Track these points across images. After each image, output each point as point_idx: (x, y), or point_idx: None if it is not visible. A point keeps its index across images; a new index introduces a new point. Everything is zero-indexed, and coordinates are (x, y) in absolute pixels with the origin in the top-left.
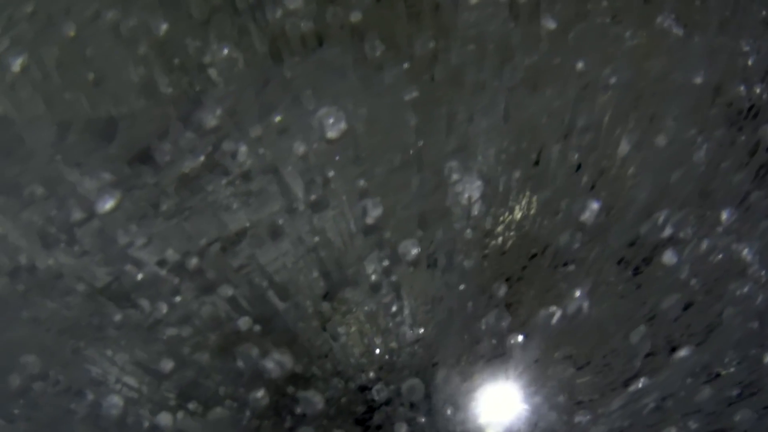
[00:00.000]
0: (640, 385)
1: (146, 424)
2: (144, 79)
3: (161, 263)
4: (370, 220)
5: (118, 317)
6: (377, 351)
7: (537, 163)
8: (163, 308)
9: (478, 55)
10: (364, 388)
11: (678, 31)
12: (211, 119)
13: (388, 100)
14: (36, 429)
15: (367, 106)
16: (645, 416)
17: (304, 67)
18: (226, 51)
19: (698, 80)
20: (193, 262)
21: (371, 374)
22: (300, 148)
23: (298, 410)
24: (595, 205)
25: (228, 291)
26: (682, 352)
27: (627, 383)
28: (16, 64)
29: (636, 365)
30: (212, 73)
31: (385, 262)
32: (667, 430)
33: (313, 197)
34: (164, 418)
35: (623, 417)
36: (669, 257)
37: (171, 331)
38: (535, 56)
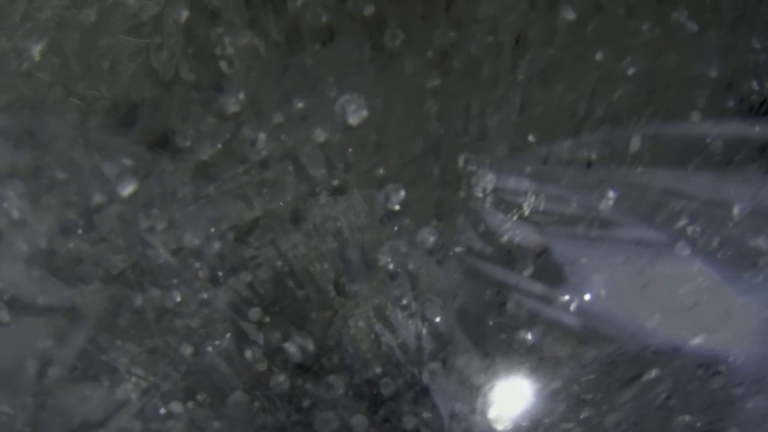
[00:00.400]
0: (647, 380)
1: (162, 411)
2: (165, 65)
3: (176, 251)
4: (388, 209)
5: (133, 304)
6: (385, 345)
7: (549, 157)
8: (177, 297)
9: (496, 47)
10: (371, 382)
11: (692, 26)
12: (232, 105)
13: (409, 88)
14: (50, 416)
15: (387, 93)
16: (654, 410)
17: (325, 54)
18: (246, 38)
19: (712, 75)
20: (208, 250)
21: (378, 368)
22: (321, 136)
23: (305, 403)
24: (605, 201)
25: (240, 281)
26: (690, 348)
27: (631, 381)
28: (36, 51)
29: (643, 361)
30: (233, 59)
31: (400, 254)
32: (679, 421)
33: (332, 184)
34: (177, 407)
35: (631, 411)
36: (680, 251)
37: (183, 320)
38: (553, 48)
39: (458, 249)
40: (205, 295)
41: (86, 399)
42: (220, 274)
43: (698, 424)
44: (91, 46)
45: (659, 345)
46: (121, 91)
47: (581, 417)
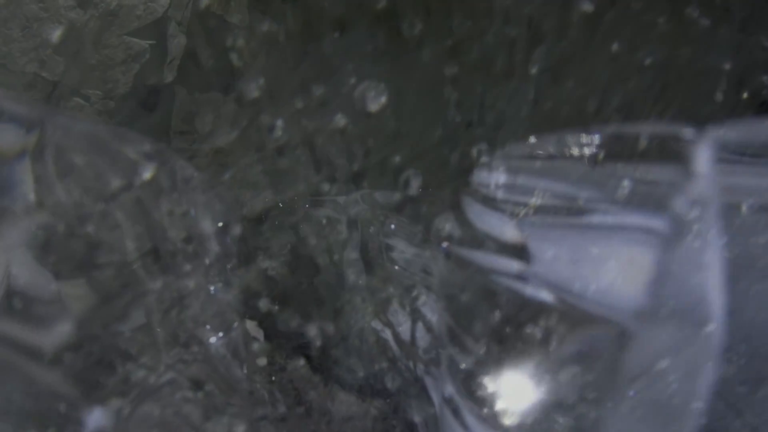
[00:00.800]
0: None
1: (178, 396)
2: (187, 50)
3: (188, 239)
4: (404, 196)
5: (148, 291)
6: (393, 339)
7: (560, 150)
8: (191, 284)
9: (513, 38)
10: (378, 375)
11: (705, 21)
12: (252, 91)
13: (426, 77)
14: (69, 401)
15: (406, 81)
16: (664, 399)
17: (344, 42)
18: (266, 25)
19: (724, 69)
20: (223, 237)
21: (385, 363)
22: (341, 122)
23: (313, 394)
24: (621, 191)
25: (251, 269)
26: (700, 338)
27: (635, 378)
28: (55, 36)
29: (649, 353)
30: (253, 46)
31: (413, 244)
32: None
33: (352, 170)
34: (192, 393)
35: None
36: (691, 244)
37: (196, 308)
38: (569, 40)
39: (445, 244)
40: (212, 287)
41: (101, 385)
42: (229, 266)
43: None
44: (97, 46)
45: (667, 336)
46: (142, 76)
47: (588, 409)
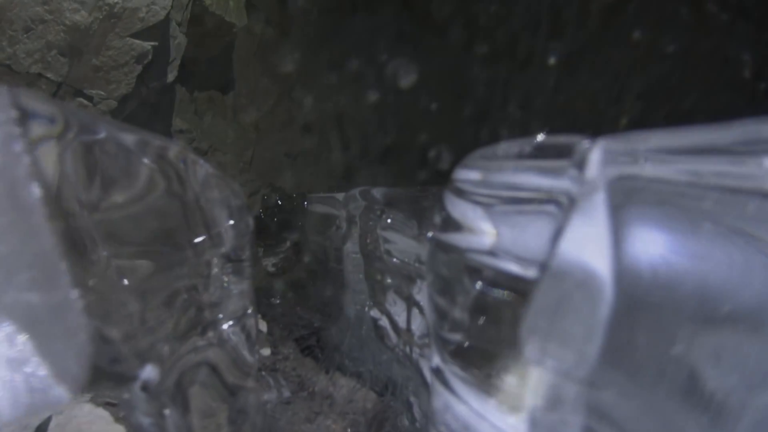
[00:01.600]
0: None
1: (204, 371)
2: (219, 22)
3: (206, 228)
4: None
5: (167, 274)
6: (391, 326)
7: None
8: (215, 264)
9: (536, 25)
10: (377, 361)
11: (724, 16)
12: (286, 64)
13: (455, 57)
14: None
15: (435, 60)
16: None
17: (375, 21)
18: (300, 1)
19: (742, 61)
20: (238, 229)
21: (383, 349)
22: (373, 97)
23: (316, 379)
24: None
25: (269, 257)
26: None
27: None
28: (60, 38)
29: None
30: (288, 21)
31: (408, 237)
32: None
33: (384, 145)
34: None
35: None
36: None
37: (212, 295)
38: (591, 28)
39: (430, 234)
40: (226, 279)
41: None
42: (243, 257)
43: None
44: (100, 48)
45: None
46: (127, 91)
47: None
